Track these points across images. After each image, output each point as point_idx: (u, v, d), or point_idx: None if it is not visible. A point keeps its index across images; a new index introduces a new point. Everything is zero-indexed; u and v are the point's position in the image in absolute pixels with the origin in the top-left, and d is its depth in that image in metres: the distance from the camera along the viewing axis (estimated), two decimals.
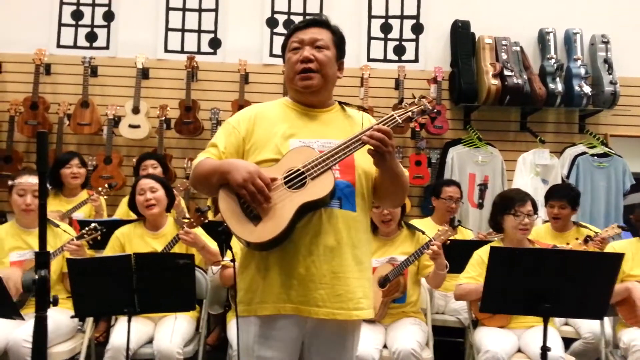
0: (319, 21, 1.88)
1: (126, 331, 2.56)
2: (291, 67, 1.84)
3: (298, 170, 1.70)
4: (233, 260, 2.02)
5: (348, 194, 1.78)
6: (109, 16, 5.07)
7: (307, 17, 1.90)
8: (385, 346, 2.98)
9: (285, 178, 1.71)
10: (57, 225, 3.12)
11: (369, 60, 5.05)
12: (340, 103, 1.93)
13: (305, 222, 1.72)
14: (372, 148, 1.68)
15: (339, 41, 1.89)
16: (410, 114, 1.76)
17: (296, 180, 1.70)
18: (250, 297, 1.79)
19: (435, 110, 1.79)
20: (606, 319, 3.11)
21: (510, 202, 3.07)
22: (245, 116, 1.89)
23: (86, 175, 4.18)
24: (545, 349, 2.38)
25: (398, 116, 1.74)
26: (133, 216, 3.53)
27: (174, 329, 2.85)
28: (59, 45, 5.03)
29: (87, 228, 3.00)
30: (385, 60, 5.09)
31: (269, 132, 1.82)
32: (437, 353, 3.10)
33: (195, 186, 1.87)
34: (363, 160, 1.78)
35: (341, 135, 1.75)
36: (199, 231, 3.17)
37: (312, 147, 1.75)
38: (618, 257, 2.50)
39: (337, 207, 1.75)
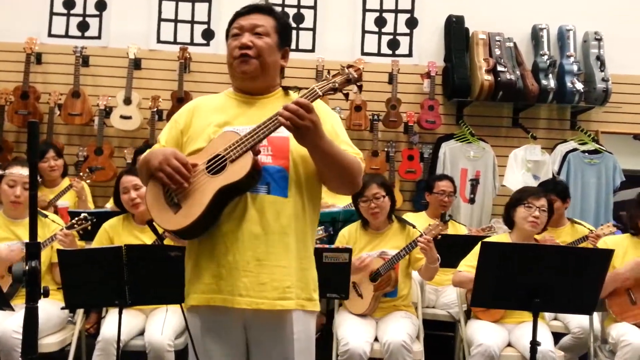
0: (261, 7, 1.83)
1: (117, 323, 2.55)
2: (230, 53, 1.80)
3: (219, 154, 1.66)
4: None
5: (278, 179, 1.71)
6: (101, 6, 5.02)
7: (250, 4, 1.85)
8: (376, 339, 2.99)
9: (207, 164, 1.67)
10: (46, 216, 3.10)
11: (363, 54, 5.04)
12: (283, 88, 1.87)
13: (231, 208, 1.67)
14: (287, 122, 1.59)
15: (282, 28, 1.83)
16: (331, 85, 1.66)
17: (217, 164, 1.65)
18: (189, 288, 1.76)
19: (360, 80, 1.69)
20: (595, 314, 3.14)
21: (525, 194, 3.09)
22: (185, 109, 1.87)
23: (64, 164, 4.15)
24: (534, 344, 2.40)
25: (319, 88, 1.65)
26: None
27: (165, 321, 2.83)
28: (50, 35, 4.98)
29: (77, 218, 2.98)
30: (379, 54, 5.08)
31: (204, 122, 1.79)
32: (428, 346, 3.12)
33: (142, 181, 1.84)
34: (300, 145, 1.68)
35: None
36: None
37: (236, 132, 1.68)
38: (608, 253, 2.52)
39: (264, 193, 1.69)
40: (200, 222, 1.64)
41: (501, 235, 3.26)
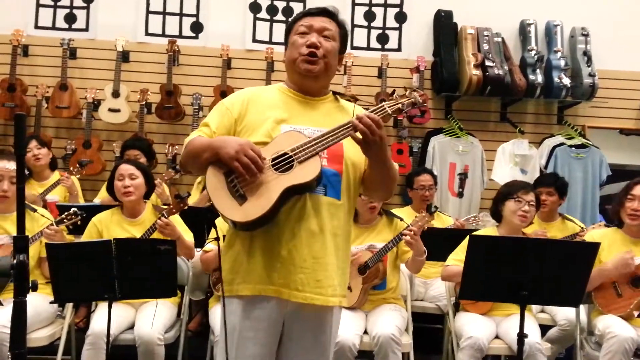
0: (330, 12, 1.89)
1: (107, 317, 2.54)
2: (296, 49, 1.84)
3: (286, 153, 1.72)
4: (217, 239, 2.01)
5: (334, 182, 1.80)
6: None
7: (319, 6, 1.90)
8: (365, 332, 3.02)
9: (272, 160, 1.72)
10: (35, 210, 3.07)
11: (352, 48, 5.03)
12: (334, 93, 1.94)
13: (290, 206, 1.74)
14: (359, 135, 1.69)
15: (344, 36, 1.91)
16: (400, 105, 1.77)
17: (283, 163, 1.71)
18: (233, 277, 1.81)
19: (425, 104, 1.82)
20: (581, 307, 3.18)
21: (514, 188, 3.11)
22: (239, 98, 1.89)
23: (52, 156, 4.12)
24: (522, 336, 2.44)
25: (388, 107, 1.76)
26: (113, 201, 3.50)
27: (155, 315, 2.83)
28: (37, 27, 4.92)
29: (66, 213, 2.97)
30: (368, 48, 5.08)
31: (261, 115, 1.83)
32: (416, 339, 3.15)
33: (186, 164, 1.86)
34: (352, 152, 1.80)
35: (332, 124, 1.76)
36: (177, 220, 3.14)
37: (302, 133, 1.76)
38: (594, 246, 2.56)
39: (322, 194, 1.78)
40: (266, 216, 1.69)
41: (489, 228, 3.29)
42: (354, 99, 1.94)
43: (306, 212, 1.75)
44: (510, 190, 3.12)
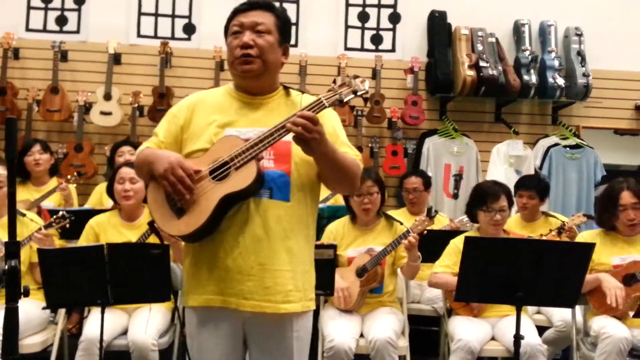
0: (261, 4, 1.79)
1: (99, 323, 2.52)
2: (231, 52, 1.76)
3: (223, 160, 1.66)
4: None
5: (281, 184, 1.72)
6: None
7: (250, 1, 1.81)
8: (362, 335, 2.99)
9: (210, 169, 1.67)
10: (24, 215, 3.03)
11: (346, 49, 5.03)
12: (284, 87, 1.84)
13: (233, 212, 1.69)
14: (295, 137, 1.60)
15: (283, 25, 1.81)
16: (338, 96, 1.64)
17: (221, 171, 1.66)
18: (187, 288, 1.78)
19: (367, 92, 1.68)
20: (577, 308, 3.18)
21: (484, 197, 3.07)
22: (185, 104, 1.84)
23: (54, 162, 4.08)
24: (518, 337, 2.42)
25: (325, 99, 1.64)
26: (105, 205, 3.47)
27: (149, 320, 2.81)
28: (27, 29, 4.88)
29: (55, 216, 2.93)
30: (362, 49, 5.07)
31: (205, 121, 1.77)
32: (413, 341, 3.13)
33: (138, 176, 1.84)
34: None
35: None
36: None
37: (239, 137, 1.69)
38: (589, 247, 2.55)
39: (266, 197, 1.70)
40: (204, 228, 1.65)
41: (470, 232, 3.27)
42: (301, 91, 1.85)
43: (250, 217, 1.69)
44: (481, 198, 3.08)
